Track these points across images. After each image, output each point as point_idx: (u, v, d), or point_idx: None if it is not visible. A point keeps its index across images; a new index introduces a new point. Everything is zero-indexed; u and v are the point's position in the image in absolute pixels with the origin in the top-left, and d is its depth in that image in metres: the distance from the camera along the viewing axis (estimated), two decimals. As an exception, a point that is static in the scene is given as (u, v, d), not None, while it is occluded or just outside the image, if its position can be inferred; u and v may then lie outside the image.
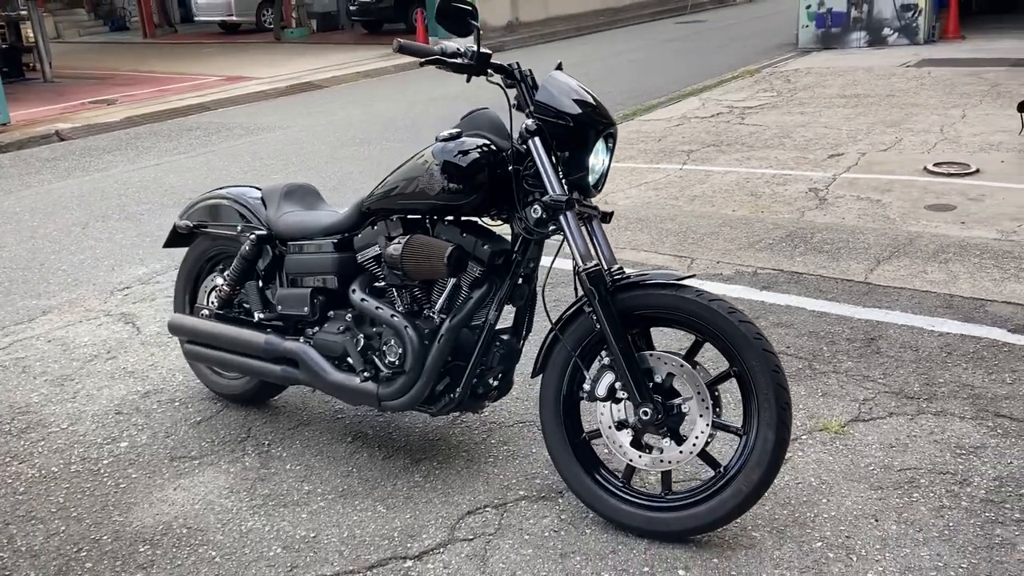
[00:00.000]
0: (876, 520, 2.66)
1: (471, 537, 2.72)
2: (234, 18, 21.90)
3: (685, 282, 2.58)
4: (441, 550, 2.67)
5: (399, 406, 2.93)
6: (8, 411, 3.74)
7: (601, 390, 2.65)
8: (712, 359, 3.15)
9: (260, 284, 3.33)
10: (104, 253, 6.01)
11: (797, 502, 2.77)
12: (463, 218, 2.91)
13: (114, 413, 3.68)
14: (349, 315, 3.11)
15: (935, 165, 6.69)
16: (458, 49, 2.70)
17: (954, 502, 2.72)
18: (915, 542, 2.56)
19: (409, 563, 2.62)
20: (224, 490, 3.07)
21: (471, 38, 2.67)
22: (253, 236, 3.29)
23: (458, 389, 2.88)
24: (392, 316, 2.91)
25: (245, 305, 3.45)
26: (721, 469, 2.59)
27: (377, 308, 2.96)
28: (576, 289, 2.68)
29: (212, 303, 3.51)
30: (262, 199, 3.42)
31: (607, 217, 2.77)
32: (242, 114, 11.90)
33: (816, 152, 7.48)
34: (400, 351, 2.91)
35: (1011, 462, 2.91)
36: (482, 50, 2.67)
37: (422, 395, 2.87)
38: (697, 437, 2.56)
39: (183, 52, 19.84)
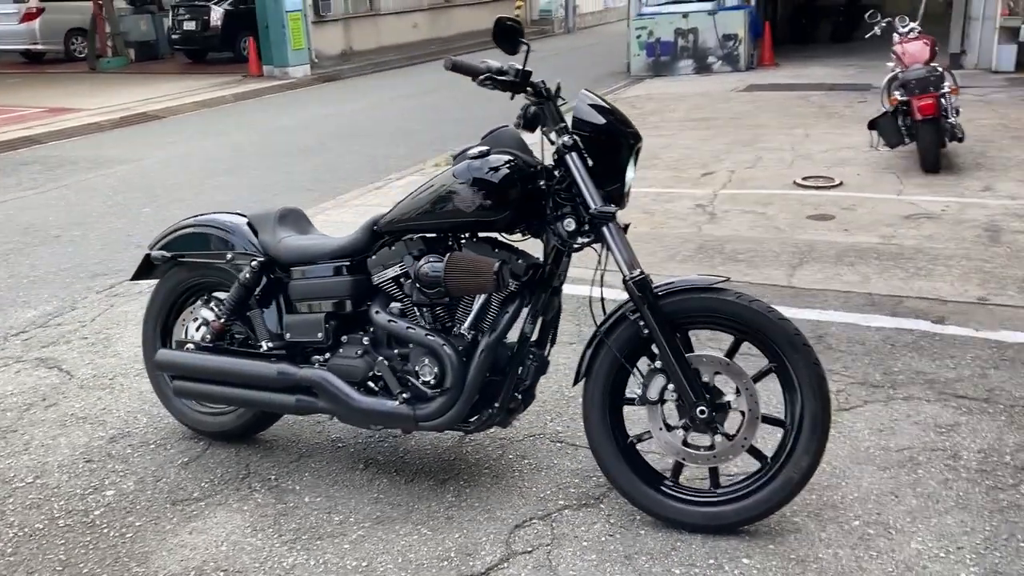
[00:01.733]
0: (896, 496, 2.90)
1: (529, 549, 2.74)
2: (39, 46, 20.48)
3: (721, 285, 2.74)
4: (505, 565, 2.68)
5: (438, 426, 2.92)
6: (-45, 469, 3.40)
7: (653, 393, 2.75)
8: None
9: (263, 313, 3.22)
10: (-13, 297, 5.53)
11: (820, 487, 2.98)
12: (480, 235, 2.95)
13: (84, 462, 3.42)
14: (366, 338, 3.06)
15: (803, 179, 7.26)
16: (502, 67, 2.76)
17: (955, 475, 3.01)
18: (938, 512, 2.81)
19: (480, 580, 2.62)
20: (246, 529, 2.94)
21: (494, 62, 2.75)
22: (255, 263, 3.18)
23: (495, 404, 2.91)
24: (427, 335, 2.90)
25: (237, 336, 3.32)
26: (768, 460, 2.75)
27: (408, 328, 2.93)
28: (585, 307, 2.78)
29: (199, 336, 3.34)
30: (249, 225, 3.31)
31: (624, 229, 2.89)
32: (82, 147, 11.19)
33: (689, 171, 7.93)
34: (436, 370, 2.90)
35: (986, 435, 3.25)
36: (525, 68, 2.74)
37: (463, 413, 2.88)
38: (746, 433, 2.71)
39: (-16, 83, 18.38)
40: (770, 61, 14.97)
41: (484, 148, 2.87)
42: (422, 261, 2.89)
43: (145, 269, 3.50)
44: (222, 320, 3.26)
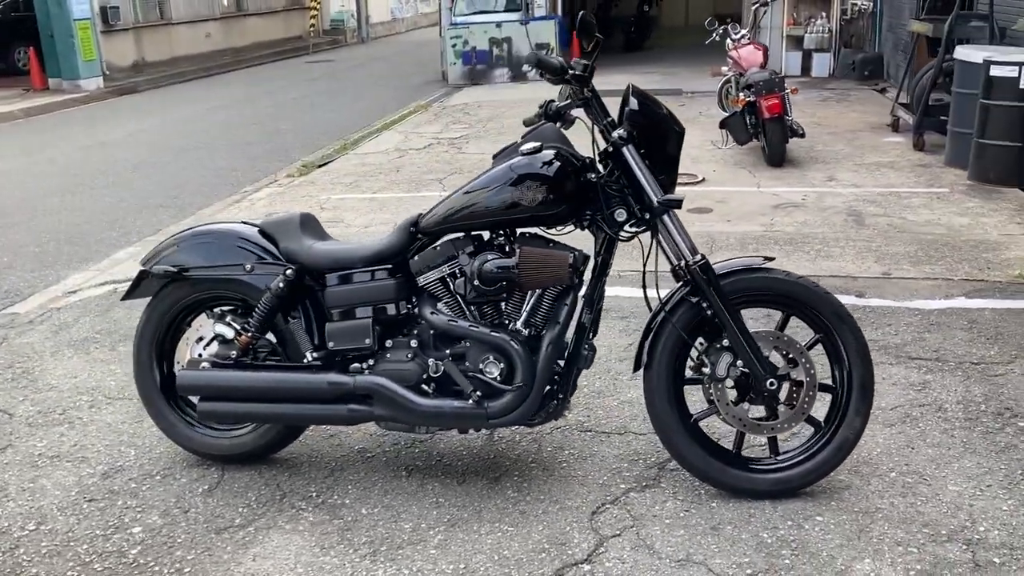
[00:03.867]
0: (912, 448, 3.22)
1: (618, 532, 2.82)
2: None
3: (768, 265, 2.95)
4: (604, 549, 2.74)
5: (509, 421, 2.93)
6: (-68, 526, 3.01)
7: (722, 371, 2.90)
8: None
9: (300, 323, 3.08)
10: None
11: (845, 447, 3.24)
12: (525, 230, 3.00)
13: (86, 502, 3.12)
14: (413, 340, 3.02)
15: (669, 177, 7.70)
16: (563, 64, 2.84)
17: (950, 424, 3.38)
18: (955, 457, 3.15)
19: (586, 567, 2.67)
20: (314, 548, 2.81)
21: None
22: (289, 272, 3.03)
23: (559, 396, 2.96)
24: (492, 333, 2.91)
25: (261, 350, 3.15)
26: (823, 424, 2.98)
27: (471, 327, 2.93)
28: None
29: (215, 353, 3.13)
30: (262, 233, 3.16)
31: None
32: None
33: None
34: (502, 366, 2.91)
35: (956, 388, 3.66)
36: (592, 64, 2.83)
37: (535, 406, 2.91)
38: (806, 401, 2.92)
39: None
40: (579, 69, 15.60)
41: (536, 144, 2.91)
42: (481, 258, 2.90)
43: (136, 288, 3.25)
44: (249, 334, 3.09)
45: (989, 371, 3.78)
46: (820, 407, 3.00)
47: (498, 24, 15.11)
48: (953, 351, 4.00)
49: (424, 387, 2.99)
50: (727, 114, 8.34)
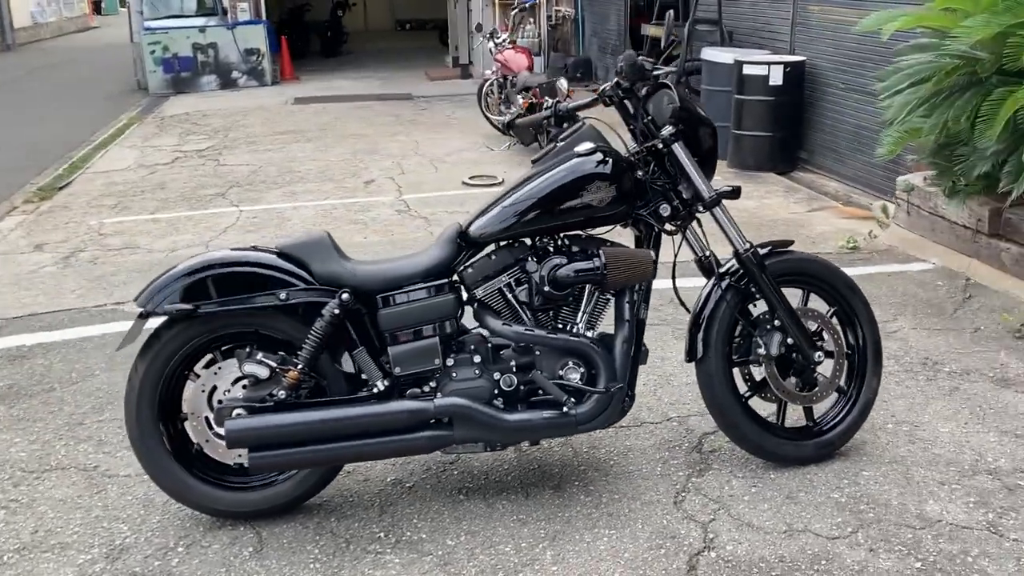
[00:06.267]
0: (887, 402, 3.62)
1: (713, 516, 2.91)
2: None
3: (792, 248, 3.19)
4: (712, 533, 2.81)
5: (597, 425, 2.90)
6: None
7: (774, 349, 3.08)
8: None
9: (364, 349, 2.79)
10: None
11: (834, 408, 3.57)
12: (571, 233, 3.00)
13: (113, 591, 2.61)
14: (477, 356, 2.88)
15: (469, 179, 7.79)
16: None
17: (898, 378, 3.82)
18: (923, 404, 3.60)
19: (712, 554, 2.73)
20: (425, 590, 2.60)
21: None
22: (344, 296, 2.74)
23: (629, 393, 2.98)
24: (571, 338, 2.87)
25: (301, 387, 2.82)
26: (846, 389, 3.26)
27: (549, 335, 2.86)
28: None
29: (245, 398, 2.75)
30: (284, 256, 2.83)
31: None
32: None
33: (347, 182, 7.94)
34: (582, 370, 2.88)
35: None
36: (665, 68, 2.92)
37: (620, 407, 2.90)
38: (837, 370, 3.19)
39: None
40: (291, 75, 15.16)
41: (591, 145, 2.91)
42: (551, 264, 2.86)
43: (135, 332, 2.77)
44: (298, 368, 2.75)
45: (887, 329, 4.32)
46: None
47: (201, 29, 14.22)
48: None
49: (495, 403, 2.87)
50: (507, 116, 8.56)
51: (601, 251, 2.86)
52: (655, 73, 2.99)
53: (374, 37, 23.85)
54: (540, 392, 2.89)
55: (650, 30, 10.12)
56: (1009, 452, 3.24)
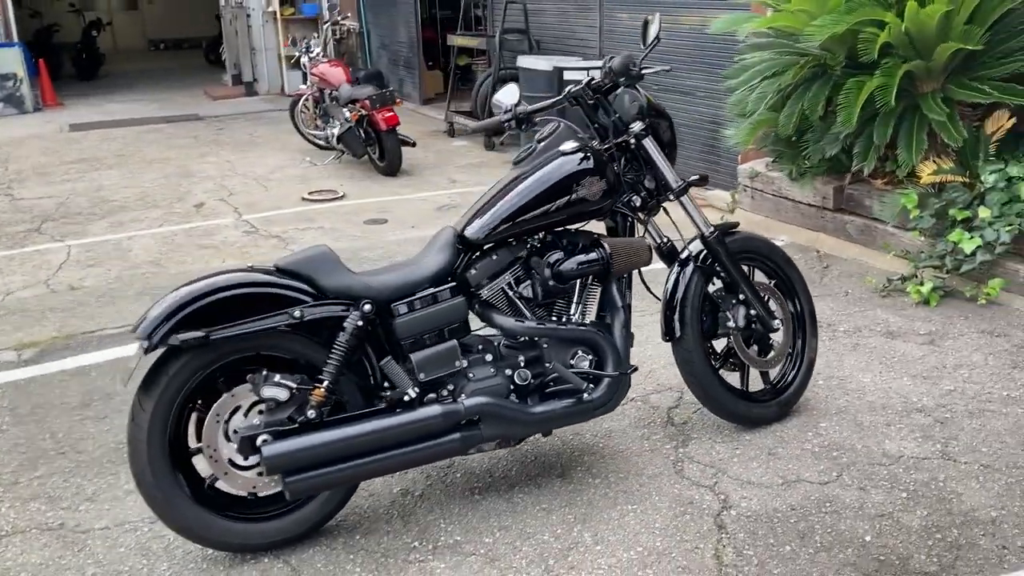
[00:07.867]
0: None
1: (717, 479, 3.13)
2: None
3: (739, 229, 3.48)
4: (723, 495, 3.02)
5: (609, 408, 3.02)
6: None
7: (741, 322, 3.34)
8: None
9: (390, 357, 2.75)
10: None
11: (767, 373, 3.91)
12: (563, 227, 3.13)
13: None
14: (489, 354, 2.93)
15: (308, 194, 7.63)
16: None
17: (831, 334, 4.22)
18: (838, 358, 4.01)
19: (734, 512, 2.94)
20: (486, 588, 2.62)
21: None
22: (367, 307, 2.69)
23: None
24: (579, 327, 2.98)
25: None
26: (791, 351, 3.58)
27: (556, 328, 2.96)
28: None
29: (265, 423, 2.63)
30: (282, 272, 2.74)
31: None
32: None
33: (174, 207, 7.51)
34: (590, 358, 3.00)
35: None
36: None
37: (626, 390, 3.04)
38: (788, 335, 3.51)
39: None
40: (54, 101, 13.99)
41: (576, 144, 3.04)
42: (553, 259, 2.95)
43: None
44: (325, 384, 2.67)
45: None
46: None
47: (-54, 54, 12.83)
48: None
49: (512, 397, 2.93)
50: (336, 130, 8.42)
51: (604, 242, 2.99)
52: (643, 72, 3.15)
53: (129, 58, 22.43)
54: (551, 384, 2.98)
55: (458, 40, 10.31)
56: (926, 391, 3.70)
